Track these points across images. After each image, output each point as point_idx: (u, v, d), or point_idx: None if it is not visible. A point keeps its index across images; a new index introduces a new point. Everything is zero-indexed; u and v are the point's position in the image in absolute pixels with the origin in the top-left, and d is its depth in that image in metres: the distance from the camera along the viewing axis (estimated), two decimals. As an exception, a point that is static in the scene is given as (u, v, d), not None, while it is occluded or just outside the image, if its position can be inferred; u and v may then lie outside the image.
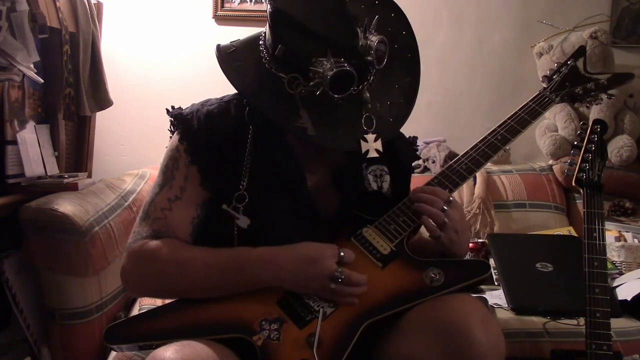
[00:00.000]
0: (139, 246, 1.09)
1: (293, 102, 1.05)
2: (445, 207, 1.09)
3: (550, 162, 2.33)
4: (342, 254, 1.04)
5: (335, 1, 1.07)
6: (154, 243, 1.08)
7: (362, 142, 1.05)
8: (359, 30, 1.06)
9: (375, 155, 1.06)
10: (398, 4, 1.19)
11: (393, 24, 1.15)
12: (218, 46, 1.14)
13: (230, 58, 1.12)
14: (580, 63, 1.33)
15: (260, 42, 1.11)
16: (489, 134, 1.23)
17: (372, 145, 1.05)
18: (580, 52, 1.36)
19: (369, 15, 1.11)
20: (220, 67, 1.10)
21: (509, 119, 1.25)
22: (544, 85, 1.32)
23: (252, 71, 1.10)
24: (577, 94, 1.30)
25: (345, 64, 1.01)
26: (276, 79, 1.06)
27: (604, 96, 1.32)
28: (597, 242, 1.27)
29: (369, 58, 1.05)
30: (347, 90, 1.04)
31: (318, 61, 1.01)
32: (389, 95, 1.11)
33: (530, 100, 1.28)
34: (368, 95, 1.08)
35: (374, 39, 1.05)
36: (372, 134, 1.06)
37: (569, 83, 1.30)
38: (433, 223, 1.09)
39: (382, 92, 1.11)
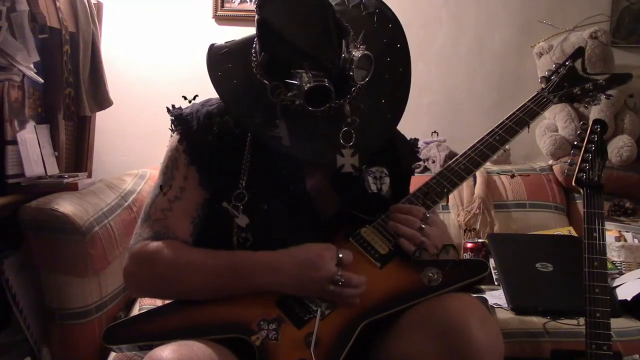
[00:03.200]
0: (140, 248, 1.09)
1: (273, 111, 1.05)
2: (422, 226, 1.08)
3: (550, 162, 2.33)
4: (340, 255, 1.04)
5: (320, 14, 1.06)
6: (154, 245, 1.08)
7: (338, 156, 1.05)
8: (344, 42, 1.05)
9: (351, 170, 1.05)
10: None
11: (389, 35, 1.14)
12: (211, 46, 1.15)
13: (220, 59, 1.13)
14: (578, 64, 1.33)
15: (253, 45, 1.11)
16: (487, 134, 1.23)
17: (348, 160, 1.05)
18: (579, 52, 1.36)
19: (367, 22, 1.11)
20: (207, 68, 1.11)
21: (507, 119, 1.25)
22: (543, 85, 1.32)
23: (239, 74, 1.11)
24: (575, 95, 1.30)
25: (325, 79, 1.01)
26: (261, 84, 1.07)
27: (602, 96, 1.32)
28: (597, 242, 1.26)
29: (350, 73, 1.04)
30: (323, 105, 1.04)
31: (297, 73, 1.01)
32: (374, 110, 1.10)
33: (529, 101, 1.28)
34: (349, 109, 1.06)
35: (357, 53, 1.04)
36: (350, 148, 1.05)
37: (567, 83, 1.30)
38: (410, 245, 1.08)
39: (368, 106, 1.10)
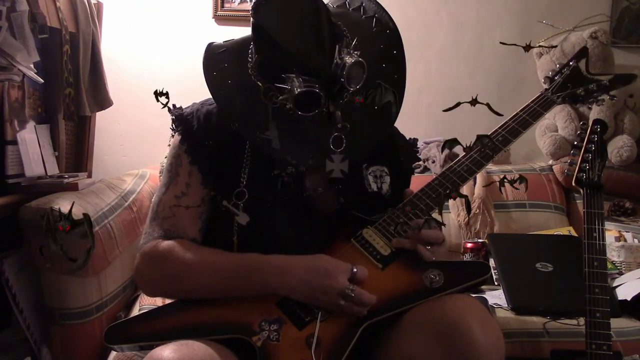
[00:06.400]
0: (151, 247, 1.10)
1: (265, 113, 1.05)
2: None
3: (550, 162, 2.33)
4: (354, 270, 1.04)
5: (313, 19, 1.06)
6: (165, 244, 1.09)
7: (327, 161, 1.04)
8: (337, 47, 1.05)
9: (340, 176, 1.04)
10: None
11: (385, 42, 1.13)
12: (209, 45, 1.15)
13: (217, 59, 1.13)
14: (582, 64, 1.32)
15: (250, 46, 1.11)
16: (490, 135, 1.22)
17: (337, 165, 1.04)
18: (583, 53, 1.36)
19: (366, 26, 1.11)
20: (203, 67, 1.11)
21: (510, 120, 1.25)
22: (545, 86, 1.32)
23: (235, 75, 1.11)
24: (578, 95, 1.30)
25: (316, 85, 1.01)
26: (254, 86, 1.07)
27: (605, 97, 1.32)
28: (597, 242, 1.26)
29: (342, 79, 1.04)
30: (313, 110, 1.03)
31: (288, 77, 1.01)
32: (367, 116, 1.10)
33: (532, 102, 1.28)
34: (340, 114, 1.06)
35: (349, 60, 1.03)
36: (340, 154, 1.04)
37: (571, 84, 1.30)
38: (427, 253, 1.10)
39: (360, 112, 1.09)
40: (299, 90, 0.99)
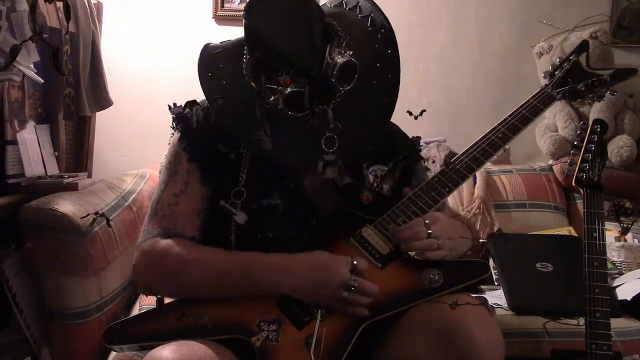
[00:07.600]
0: (150, 245, 1.10)
1: (258, 113, 1.05)
2: (429, 231, 1.07)
3: (550, 162, 2.33)
4: (354, 262, 1.04)
5: (305, 19, 1.06)
6: (164, 242, 1.09)
7: (319, 162, 1.04)
8: (329, 47, 1.04)
9: (332, 176, 1.05)
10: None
11: (380, 41, 1.13)
12: (205, 46, 1.16)
13: (212, 60, 1.14)
14: (582, 59, 1.31)
15: (245, 47, 1.12)
16: (490, 132, 1.22)
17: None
18: (583, 47, 1.34)
19: (362, 25, 1.11)
20: (198, 68, 1.12)
21: (509, 116, 1.24)
22: (546, 81, 1.31)
23: (229, 75, 1.11)
24: (579, 90, 1.29)
25: (305, 85, 1.01)
26: (249, 86, 1.07)
27: (606, 92, 1.31)
28: (597, 242, 1.26)
29: (333, 79, 1.04)
30: (303, 111, 1.03)
31: (279, 78, 1.01)
32: (360, 116, 1.10)
33: (532, 98, 1.27)
34: (332, 114, 1.06)
35: (340, 59, 1.03)
36: (332, 154, 1.04)
37: (571, 79, 1.29)
38: (436, 253, 1.07)
39: (353, 112, 1.09)
40: (288, 90, 1.00)
